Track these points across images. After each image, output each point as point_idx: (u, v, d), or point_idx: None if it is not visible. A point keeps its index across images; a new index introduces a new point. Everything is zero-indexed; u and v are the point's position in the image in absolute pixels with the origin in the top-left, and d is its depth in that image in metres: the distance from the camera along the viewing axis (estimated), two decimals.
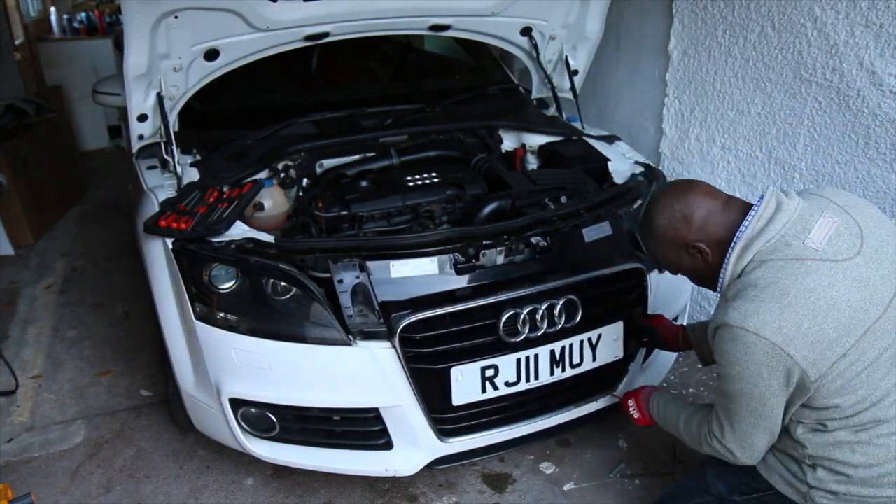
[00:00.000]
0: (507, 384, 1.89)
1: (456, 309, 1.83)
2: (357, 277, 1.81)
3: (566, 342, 1.92)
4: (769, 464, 1.52)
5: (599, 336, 1.97)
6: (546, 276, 1.91)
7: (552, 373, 1.94)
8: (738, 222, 1.40)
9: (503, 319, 1.83)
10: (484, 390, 1.88)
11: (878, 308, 1.32)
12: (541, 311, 1.86)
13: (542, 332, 1.88)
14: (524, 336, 1.86)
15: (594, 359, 1.99)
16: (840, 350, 1.28)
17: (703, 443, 1.57)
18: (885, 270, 1.34)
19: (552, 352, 1.91)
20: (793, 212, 1.37)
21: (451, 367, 1.82)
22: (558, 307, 1.88)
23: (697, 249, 1.45)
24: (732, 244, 1.39)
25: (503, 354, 1.86)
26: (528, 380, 1.91)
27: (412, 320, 1.78)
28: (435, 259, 1.85)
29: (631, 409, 1.89)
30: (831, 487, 1.40)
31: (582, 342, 1.95)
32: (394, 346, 1.78)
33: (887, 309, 1.33)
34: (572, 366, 1.96)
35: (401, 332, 1.77)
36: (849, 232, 1.35)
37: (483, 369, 1.85)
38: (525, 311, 1.84)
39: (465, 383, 1.85)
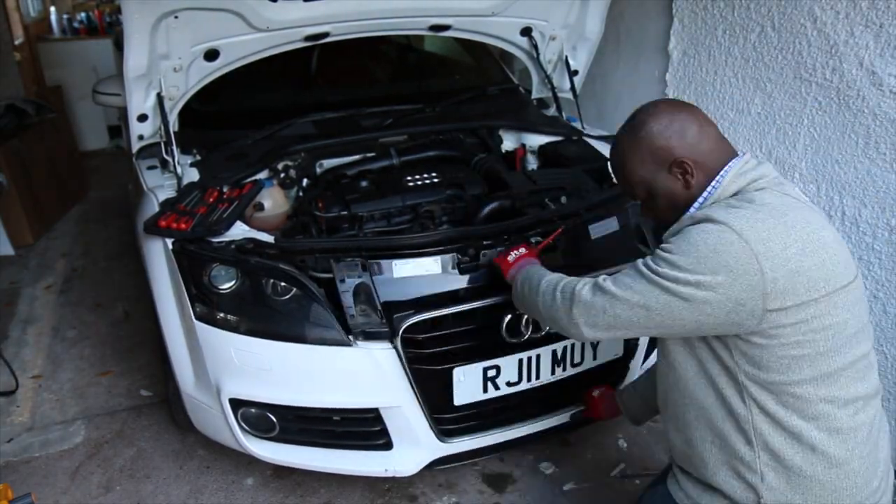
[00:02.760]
0: (509, 384, 1.90)
1: (459, 309, 1.82)
2: (359, 277, 1.81)
3: (568, 341, 1.92)
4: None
5: None
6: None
7: (553, 372, 1.94)
8: (728, 156, 1.31)
9: (506, 320, 1.82)
10: (486, 390, 1.88)
11: (850, 275, 1.24)
12: None
13: (544, 331, 1.87)
14: (527, 336, 1.86)
15: (595, 357, 1.99)
16: (815, 293, 1.18)
17: (558, 291, 1.40)
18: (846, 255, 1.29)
19: (554, 352, 1.92)
20: (770, 170, 1.32)
21: (453, 367, 1.83)
22: None
23: (683, 169, 1.30)
24: (726, 169, 1.29)
25: (505, 355, 1.86)
26: (529, 379, 1.92)
27: (415, 321, 1.78)
28: (438, 259, 1.85)
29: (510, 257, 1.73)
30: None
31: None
32: (395, 347, 1.78)
33: (853, 282, 1.25)
34: (573, 365, 1.97)
35: (403, 332, 1.77)
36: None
37: (485, 370, 1.86)
38: None
39: (467, 384, 1.85)
